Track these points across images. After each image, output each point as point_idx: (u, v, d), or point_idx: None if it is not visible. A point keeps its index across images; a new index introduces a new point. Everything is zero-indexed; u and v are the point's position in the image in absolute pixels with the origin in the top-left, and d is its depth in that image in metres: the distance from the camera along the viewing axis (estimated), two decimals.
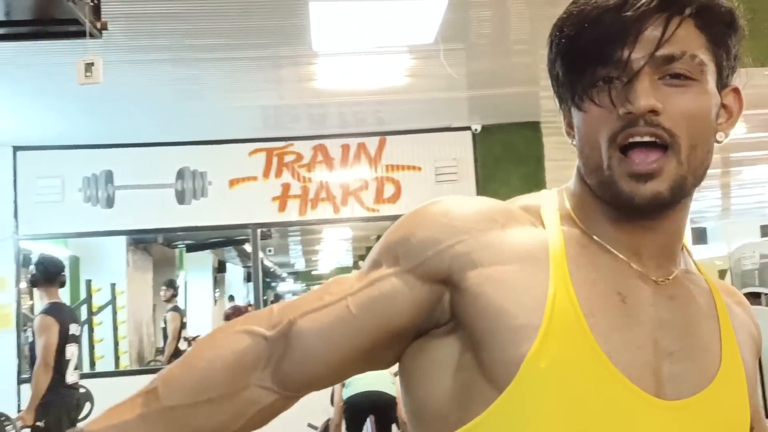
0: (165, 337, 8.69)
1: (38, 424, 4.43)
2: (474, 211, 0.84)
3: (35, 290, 5.43)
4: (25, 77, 4.62)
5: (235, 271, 15.71)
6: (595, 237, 0.85)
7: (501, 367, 0.77)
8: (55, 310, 4.61)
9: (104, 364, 7.86)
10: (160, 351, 9.19)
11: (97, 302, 7.95)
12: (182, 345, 8.64)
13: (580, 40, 0.81)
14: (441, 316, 0.83)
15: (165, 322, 8.51)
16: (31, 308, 6.96)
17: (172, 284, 8.92)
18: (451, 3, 3.75)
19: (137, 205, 6.25)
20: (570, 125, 0.87)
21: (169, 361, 8.18)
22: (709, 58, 0.82)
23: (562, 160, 6.16)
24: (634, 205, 0.81)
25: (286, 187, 6.32)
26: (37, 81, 4.69)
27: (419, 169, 6.40)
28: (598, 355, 0.78)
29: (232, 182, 6.29)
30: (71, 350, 4.65)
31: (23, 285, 6.25)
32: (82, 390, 4.91)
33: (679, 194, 0.81)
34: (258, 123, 6.17)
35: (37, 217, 6.18)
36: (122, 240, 8.19)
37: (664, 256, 0.87)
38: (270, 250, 12.49)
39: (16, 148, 6.20)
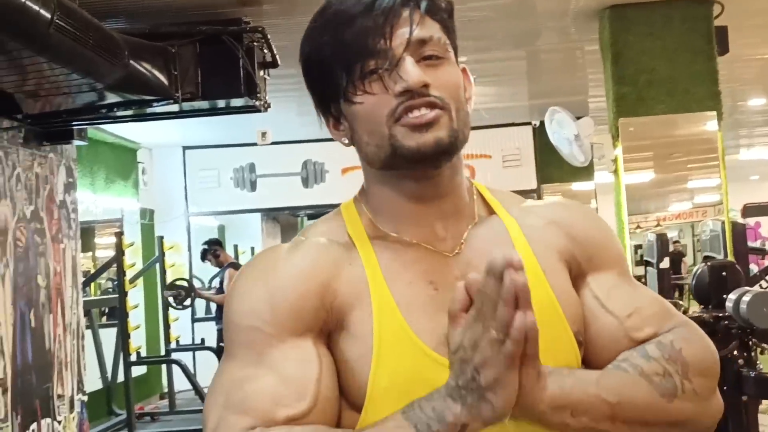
0: None
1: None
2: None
3: (209, 256, 7.38)
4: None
5: None
6: (395, 234, 0.94)
7: (354, 391, 0.88)
8: (236, 266, 6.56)
9: None
10: None
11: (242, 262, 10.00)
12: None
13: (344, 39, 0.89)
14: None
15: None
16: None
17: None
18: None
19: (273, 189, 8.24)
20: (336, 125, 0.96)
21: None
22: (446, 40, 0.92)
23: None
24: (422, 155, 0.88)
25: None
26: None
27: (489, 156, 8.06)
28: (430, 358, 0.86)
29: (344, 170, 7.97)
30: None
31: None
32: None
33: (455, 143, 0.89)
34: None
35: (200, 199, 8.30)
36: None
37: (454, 216, 0.95)
38: None
39: (184, 148, 8.30)
